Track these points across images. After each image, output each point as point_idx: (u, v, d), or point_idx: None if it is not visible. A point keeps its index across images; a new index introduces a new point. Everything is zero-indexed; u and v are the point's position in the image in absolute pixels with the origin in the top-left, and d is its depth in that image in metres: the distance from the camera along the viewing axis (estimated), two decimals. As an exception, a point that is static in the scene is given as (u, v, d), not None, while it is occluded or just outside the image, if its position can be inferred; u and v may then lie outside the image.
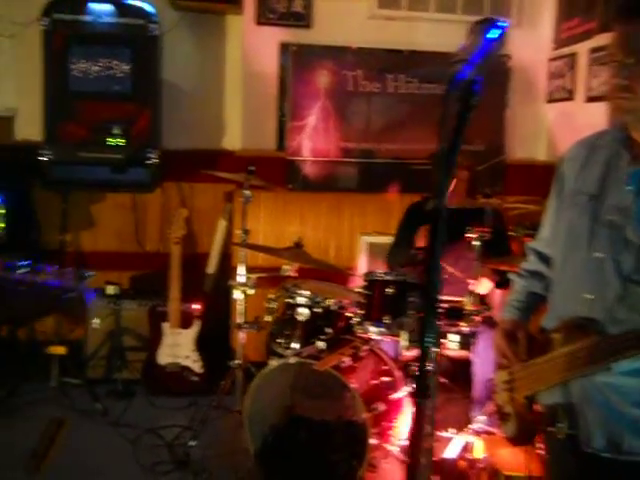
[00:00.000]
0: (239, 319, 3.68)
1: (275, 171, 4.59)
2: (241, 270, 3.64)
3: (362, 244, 4.41)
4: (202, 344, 4.24)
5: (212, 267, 4.59)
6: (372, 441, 2.84)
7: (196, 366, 4.19)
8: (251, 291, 3.61)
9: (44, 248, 4.54)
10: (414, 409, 1.13)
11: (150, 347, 4.24)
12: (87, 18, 4.21)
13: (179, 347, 4.21)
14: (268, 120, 4.74)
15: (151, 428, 3.69)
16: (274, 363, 3.07)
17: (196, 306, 4.25)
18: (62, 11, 4.18)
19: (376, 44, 4.73)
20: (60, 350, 4.09)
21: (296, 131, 4.71)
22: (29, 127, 4.49)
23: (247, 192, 3.69)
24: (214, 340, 4.36)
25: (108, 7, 4.22)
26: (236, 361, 3.63)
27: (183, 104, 4.74)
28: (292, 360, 3.03)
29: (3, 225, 4.11)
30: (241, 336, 3.68)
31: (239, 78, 4.74)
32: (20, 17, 4.43)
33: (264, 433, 3.09)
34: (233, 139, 4.84)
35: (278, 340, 3.42)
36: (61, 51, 4.19)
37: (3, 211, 4.12)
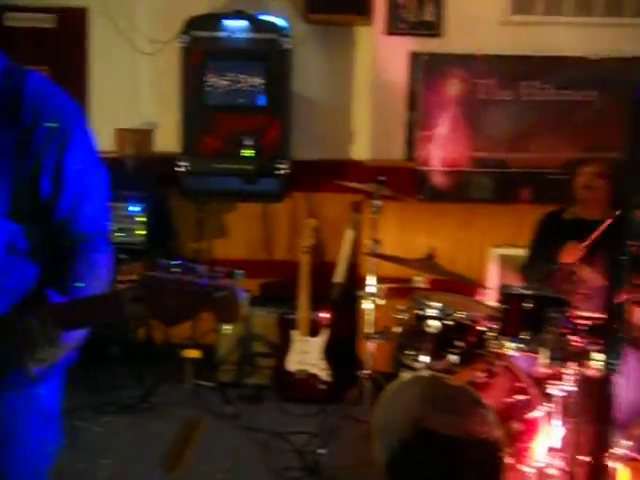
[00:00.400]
0: (368, 329, 3.67)
1: (404, 181, 4.55)
2: (371, 280, 3.64)
3: (493, 256, 4.27)
4: (329, 353, 4.27)
5: (340, 276, 4.62)
6: (507, 461, 2.75)
7: (324, 374, 4.21)
8: (381, 301, 3.60)
9: (180, 256, 4.71)
10: (596, 435, 1.07)
11: (279, 354, 4.32)
12: (222, 34, 4.35)
13: (307, 355, 4.25)
14: (397, 130, 4.72)
15: (280, 433, 3.74)
16: (406, 375, 3.03)
17: (324, 315, 4.28)
18: (200, 28, 4.35)
19: (508, 51, 4.60)
20: (195, 354, 4.23)
21: (426, 141, 4.66)
22: (167, 139, 4.68)
23: (378, 202, 3.69)
24: (341, 349, 4.38)
25: (243, 23, 4.35)
26: (365, 371, 3.63)
27: (312, 115, 4.81)
28: (424, 373, 2.99)
29: (145, 232, 4.31)
30: (370, 346, 3.67)
31: (368, 88, 4.76)
32: (158, 36, 4.67)
33: (393, 445, 3.06)
34: (361, 149, 4.86)
35: (407, 352, 3.37)
36: (198, 67, 4.36)
37: (145, 219, 4.32)
